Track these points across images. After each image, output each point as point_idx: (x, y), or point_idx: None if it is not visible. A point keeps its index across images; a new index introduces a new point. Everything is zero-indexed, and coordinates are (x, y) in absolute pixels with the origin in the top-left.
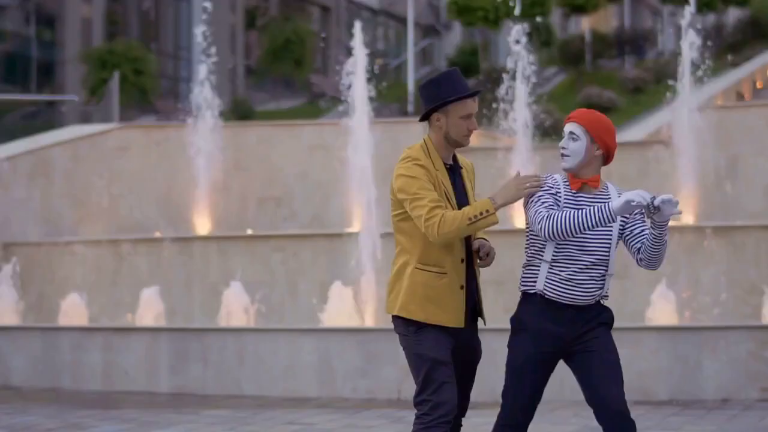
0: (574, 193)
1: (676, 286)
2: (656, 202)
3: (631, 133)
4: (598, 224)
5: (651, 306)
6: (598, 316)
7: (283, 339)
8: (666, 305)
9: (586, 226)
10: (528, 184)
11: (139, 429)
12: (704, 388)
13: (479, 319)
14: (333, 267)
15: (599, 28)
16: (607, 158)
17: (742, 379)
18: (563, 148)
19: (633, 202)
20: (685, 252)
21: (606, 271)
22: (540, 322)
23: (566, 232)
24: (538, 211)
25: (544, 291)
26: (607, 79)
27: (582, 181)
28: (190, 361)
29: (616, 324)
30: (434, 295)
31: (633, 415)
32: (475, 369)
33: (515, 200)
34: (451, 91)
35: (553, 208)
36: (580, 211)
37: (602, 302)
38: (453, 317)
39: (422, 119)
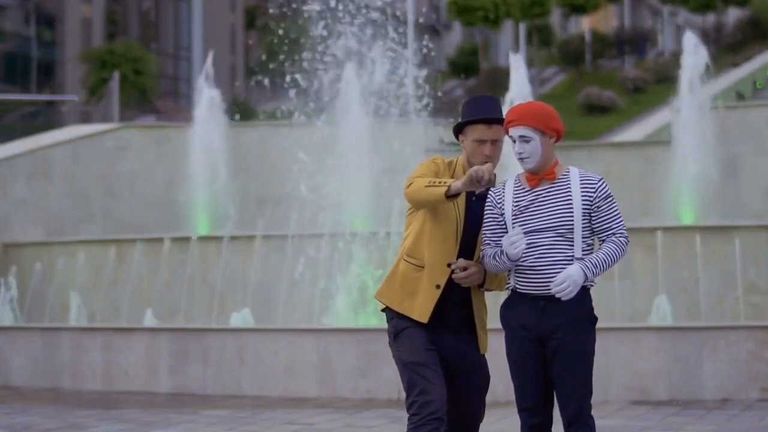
0: (531, 190)
1: (676, 286)
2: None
3: (631, 133)
4: (504, 255)
5: (651, 306)
6: (573, 309)
7: (283, 339)
8: (666, 305)
9: (501, 264)
10: (470, 182)
11: (139, 429)
12: (704, 388)
13: (479, 341)
14: (333, 267)
15: (599, 28)
16: (557, 140)
17: (742, 379)
18: (520, 152)
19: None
20: (685, 252)
21: (573, 255)
22: (513, 315)
23: (497, 270)
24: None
25: (516, 286)
26: (607, 79)
27: (539, 177)
28: (190, 361)
29: (616, 324)
30: (408, 286)
31: (633, 414)
32: (482, 393)
33: (463, 190)
34: (468, 113)
35: (488, 244)
36: (491, 253)
37: (587, 290)
38: (419, 311)
39: (456, 137)
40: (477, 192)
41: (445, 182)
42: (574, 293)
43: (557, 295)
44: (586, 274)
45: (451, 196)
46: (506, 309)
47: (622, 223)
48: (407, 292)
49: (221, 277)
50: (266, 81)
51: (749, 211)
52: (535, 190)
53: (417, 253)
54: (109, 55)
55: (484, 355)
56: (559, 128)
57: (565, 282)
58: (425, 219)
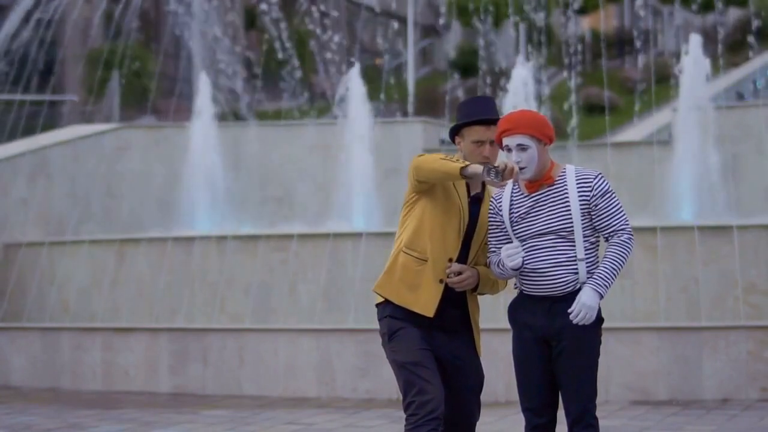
0: (528, 196)
1: (675, 286)
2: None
3: (631, 133)
4: (504, 263)
5: (651, 306)
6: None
7: (283, 339)
8: (666, 305)
9: (505, 272)
10: (488, 179)
11: (139, 429)
12: (704, 388)
13: (475, 343)
14: (333, 267)
15: (599, 28)
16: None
17: (742, 379)
18: (518, 161)
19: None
20: (684, 251)
21: (575, 255)
22: (519, 315)
23: (503, 277)
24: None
25: (521, 287)
26: (607, 79)
27: (538, 183)
28: (190, 361)
29: (616, 324)
30: (409, 279)
31: (632, 414)
32: (477, 394)
33: (479, 177)
34: (465, 115)
35: (493, 251)
36: (495, 261)
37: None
38: (423, 305)
39: (452, 139)
40: (472, 193)
41: (458, 159)
42: (594, 315)
43: (580, 324)
44: (598, 292)
45: (464, 176)
46: (513, 308)
47: (624, 218)
48: (407, 285)
49: (222, 277)
50: (266, 81)
51: (749, 211)
52: (533, 195)
53: (417, 246)
54: (109, 55)
55: (478, 356)
56: (552, 135)
57: (581, 311)
58: (425, 211)
